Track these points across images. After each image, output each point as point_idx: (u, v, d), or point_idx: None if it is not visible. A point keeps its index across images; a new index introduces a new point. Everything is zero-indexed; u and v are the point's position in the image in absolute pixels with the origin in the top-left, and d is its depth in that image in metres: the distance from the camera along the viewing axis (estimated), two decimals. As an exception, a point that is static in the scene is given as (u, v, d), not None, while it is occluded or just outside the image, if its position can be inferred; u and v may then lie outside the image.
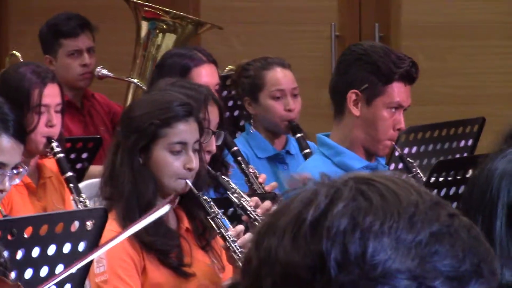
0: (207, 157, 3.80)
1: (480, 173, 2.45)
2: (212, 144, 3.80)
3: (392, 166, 4.32)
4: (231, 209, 3.67)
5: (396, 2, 6.97)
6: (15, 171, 3.60)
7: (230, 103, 4.98)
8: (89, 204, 4.01)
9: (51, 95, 4.15)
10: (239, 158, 4.26)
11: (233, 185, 3.60)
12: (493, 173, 2.35)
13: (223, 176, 3.63)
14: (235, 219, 3.63)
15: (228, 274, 3.44)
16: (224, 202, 3.65)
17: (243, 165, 4.23)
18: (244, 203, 3.47)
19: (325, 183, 1.13)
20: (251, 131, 4.70)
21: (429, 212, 1.08)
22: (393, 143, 4.07)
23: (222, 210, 3.48)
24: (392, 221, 1.05)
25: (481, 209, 2.33)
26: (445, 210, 1.12)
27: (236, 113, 4.99)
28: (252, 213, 3.43)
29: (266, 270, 1.11)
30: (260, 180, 4.15)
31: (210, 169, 3.79)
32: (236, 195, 3.51)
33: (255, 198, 3.53)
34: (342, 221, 1.05)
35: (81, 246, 3.04)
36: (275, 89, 4.58)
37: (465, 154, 4.46)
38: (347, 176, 1.13)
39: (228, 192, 3.55)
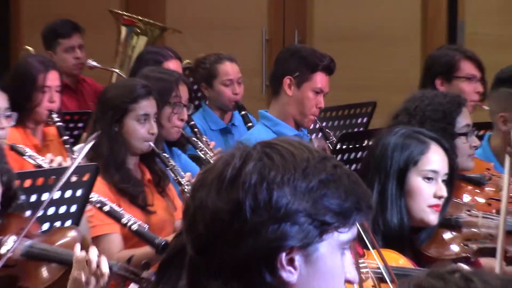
0: (181, 124, 4.22)
1: (376, 145, 2.94)
2: (184, 114, 4.21)
3: (313, 135, 4.74)
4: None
5: (310, 11, 7.39)
6: (7, 113, 3.98)
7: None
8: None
9: (52, 79, 4.52)
10: (195, 130, 4.70)
11: (171, 162, 3.93)
12: (387, 146, 2.82)
13: (164, 154, 3.94)
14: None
15: (179, 213, 3.73)
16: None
17: (198, 135, 4.63)
18: (179, 178, 3.83)
19: (240, 148, 1.27)
20: (207, 108, 5.25)
21: (318, 165, 1.24)
22: (315, 118, 4.56)
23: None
24: (290, 174, 1.21)
25: (378, 173, 2.81)
26: (330, 163, 1.27)
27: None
28: (184, 184, 3.78)
29: (199, 215, 1.26)
30: (211, 146, 4.54)
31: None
32: (173, 170, 3.87)
33: (188, 174, 3.87)
34: (253, 176, 1.21)
35: (79, 193, 3.21)
36: (225, 78, 5.16)
37: (362, 129, 4.90)
38: (256, 142, 1.29)
39: (167, 168, 3.87)
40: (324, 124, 4.71)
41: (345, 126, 4.89)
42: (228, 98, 5.17)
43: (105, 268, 2.64)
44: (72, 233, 2.96)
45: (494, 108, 4.17)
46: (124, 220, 3.41)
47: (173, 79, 4.19)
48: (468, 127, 3.49)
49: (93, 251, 2.67)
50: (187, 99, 4.25)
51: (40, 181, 3.14)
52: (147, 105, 3.74)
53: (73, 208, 3.21)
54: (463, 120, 3.45)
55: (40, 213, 2.84)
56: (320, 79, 4.45)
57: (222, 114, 5.29)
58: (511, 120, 3.91)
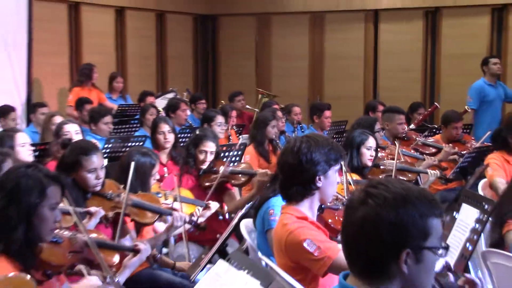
0: None
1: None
2: None
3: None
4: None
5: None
6: None
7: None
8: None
9: None
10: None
11: None
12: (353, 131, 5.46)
13: None
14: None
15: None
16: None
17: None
18: None
19: (296, 138, 3.52)
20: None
21: (332, 144, 3.38)
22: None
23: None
24: (320, 147, 3.27)
25: (349, 148, 5.12)
26: (331, 141, 3.44)
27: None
28: None
29: (284, 165, 3.40)
30: None
31: None
32: None
33: None
34: (304, 147, 3.29)
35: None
36: None
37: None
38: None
39: None
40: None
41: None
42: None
43: None
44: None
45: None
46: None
47: None
48: None
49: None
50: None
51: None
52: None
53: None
54: None
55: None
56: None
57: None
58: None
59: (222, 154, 5.70)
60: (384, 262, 1.91)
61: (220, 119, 7.18)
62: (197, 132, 5.52)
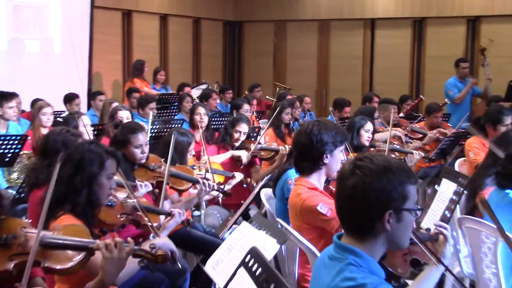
0: None
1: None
2: None
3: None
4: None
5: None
6: None
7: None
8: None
9: None
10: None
11: None
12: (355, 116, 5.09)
13: None
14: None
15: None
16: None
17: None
18: None
19: (309, 122, 3.43)
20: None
21: (338, 128, 3.38)
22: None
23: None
24: (328, 131, 3.25)
25: (350, 130, 5.10)
26: (337, 126, 3.42)
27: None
28: None
29: (298, 144, 3.35)
30: None
31: None
32: None
33: None
34: (315, 130, 3.27)
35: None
36: None
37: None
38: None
39: None
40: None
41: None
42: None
43: None
44: None
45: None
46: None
47: None
48: None
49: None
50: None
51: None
52: None
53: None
54: None
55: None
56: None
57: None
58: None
59: (252, 135, 5.89)
60: (371, 222, 1.93)
61: (246, 106, 7.18)
62: (234, 115, 5.62)
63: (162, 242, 2.72)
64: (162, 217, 3.52)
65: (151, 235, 3.19)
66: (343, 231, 2.04)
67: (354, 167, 1.96)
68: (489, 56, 9.50)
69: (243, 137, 5.50)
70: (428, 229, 2.62)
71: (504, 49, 10.21)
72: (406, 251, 2.52)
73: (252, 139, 5.76)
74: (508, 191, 3.32)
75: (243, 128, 5.49)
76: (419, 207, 1.97)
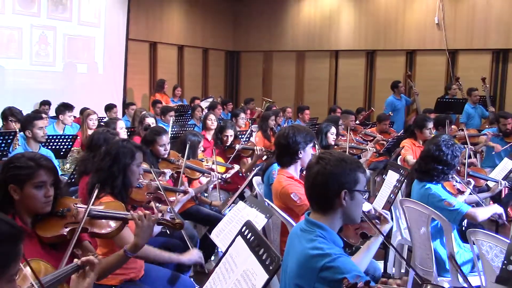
0: None
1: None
2: None
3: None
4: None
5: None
6: None
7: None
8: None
9: None
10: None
11: None
12: (323, 123, 4.50)
13: None
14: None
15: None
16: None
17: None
18: None
19: (288, 127, 3.34)
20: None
21: (308, 131, 3.25)
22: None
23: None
24: (300, 133, 3.12)
25: (319, 133, 4.67)
26: (307, 130, 3.29)
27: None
28: None
29: (280, 144, 3.27)
30: None
31: None
32: None
33: None
34: (290, 133, 3.19)
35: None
36: None
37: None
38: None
39: None
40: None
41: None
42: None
43: None
44: None
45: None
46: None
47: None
48: None
49: None
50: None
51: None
52: None
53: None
54: None
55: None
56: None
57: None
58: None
59: (240, 135, 5.77)
60: (331, 199, 1.92)
61: (242, 115, 7.08)
62: (221, 123, 5.54)
63: (187, 258, 2.79)
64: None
65: (168, 207, 3.17)
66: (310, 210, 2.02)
67: (318, 159, 1.97)
68: (421, 79, 9.60)
69: (231, 139, 5.37)
70: (373, 208, 2.61)
71: (433, 74, 10.32)
72: (357, 226, 2.51)
73: (240, 139, 5.64)
74: (424, 183, 3.37)
75: (229, 132, 5.36)
76: (366, 189, 1.98)
